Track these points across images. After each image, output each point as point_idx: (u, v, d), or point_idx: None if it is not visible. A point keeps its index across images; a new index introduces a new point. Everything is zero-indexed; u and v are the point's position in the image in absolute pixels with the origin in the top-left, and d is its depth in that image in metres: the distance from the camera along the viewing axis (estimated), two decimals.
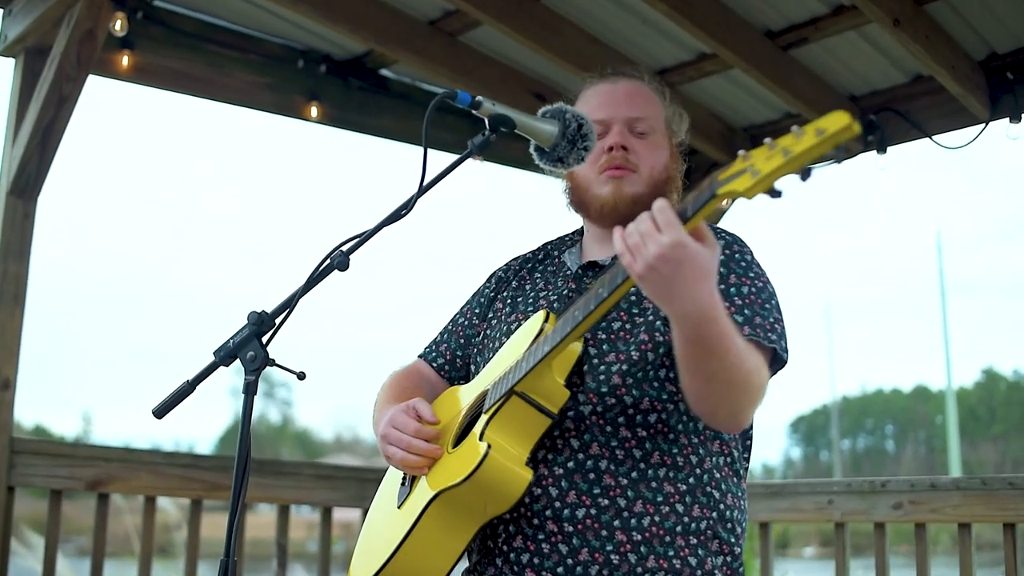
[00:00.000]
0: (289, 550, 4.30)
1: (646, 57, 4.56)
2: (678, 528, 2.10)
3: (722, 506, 2.17)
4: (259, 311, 2.14)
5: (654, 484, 2.12)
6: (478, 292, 2.59)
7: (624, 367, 2.15)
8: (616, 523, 2.08)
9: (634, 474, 2.11)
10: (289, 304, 2.13)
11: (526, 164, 5.35)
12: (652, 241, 1.76)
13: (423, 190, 2.12)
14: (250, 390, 2.09)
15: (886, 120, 4.65)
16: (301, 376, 2.12)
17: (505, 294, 2.48)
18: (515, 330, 2.32)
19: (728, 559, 2.15)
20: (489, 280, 2.59)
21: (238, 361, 2.12)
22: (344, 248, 2.14)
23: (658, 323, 2.18)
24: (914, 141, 4.60)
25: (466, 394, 2.33)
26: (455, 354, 2.54)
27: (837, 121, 1.58)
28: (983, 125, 4.36)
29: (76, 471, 3.92)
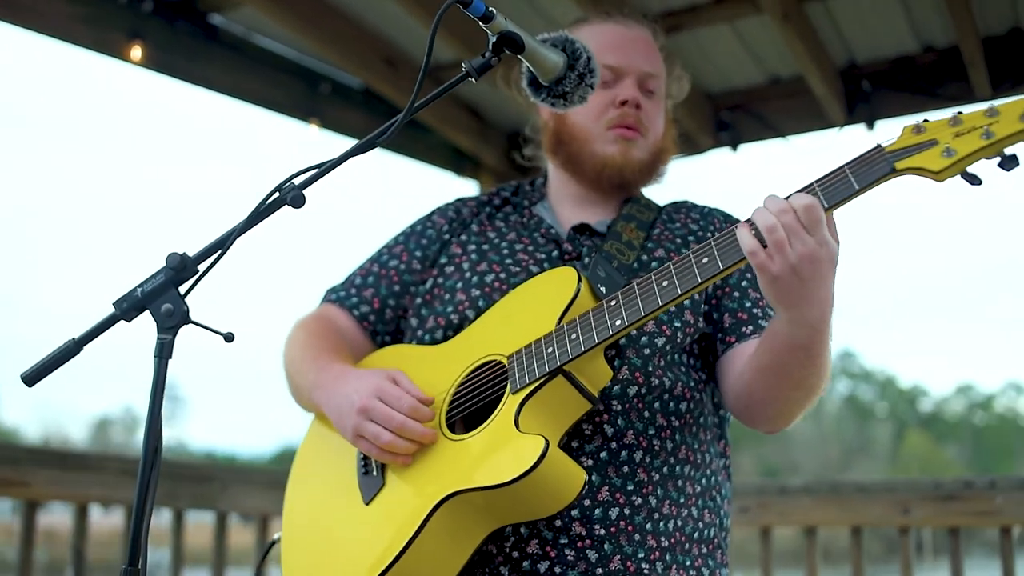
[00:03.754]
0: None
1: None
2: (695, 535, 1.86)
3: (722, 512, 1.96)
4: (180, 253, 1.71)
5: (680, 483, 1.85)
6: (416, 232, 2.18)
7: (667, 344, 1.87)
8: (648, 526, 1.79)
9: (665, 469, 1.84)
10: (221, 245, 1.71)
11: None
12: (799, 240, 1.50)
13: (412, 111, 1.74)
14: (164, 353, 1.66)
15: (738, 119, 4.61)
16: (229, 338, 1.69)
17: (464, 238, 2.11)
18: (490, 282, 1.97)
19: (725, 571, 1.92)
20: (431, 218, 2.19)
21: (147, 315, 1.70)
22: (297, 181, 1.74)
23: (703, 305, 1.93)
24: (767, 140, 4.60)
25: (435, 359, 1.92)
26: (385, 303, 2.12)
27: None
28: (838, 129, 4.39)
29: None
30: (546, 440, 1.59)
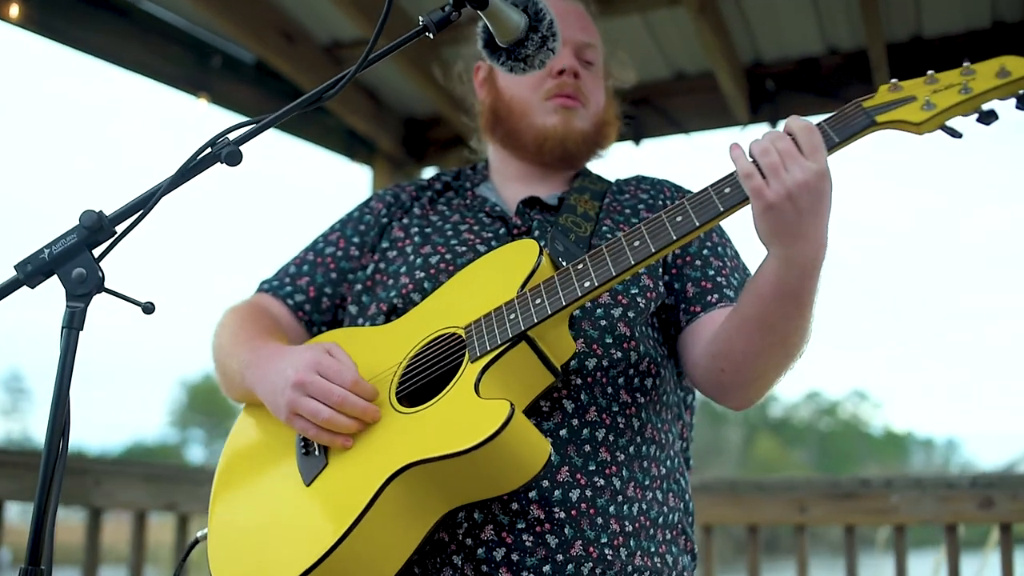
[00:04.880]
0: None
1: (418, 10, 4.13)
2: (660, 519, 1.77)
3: (687, 496, 1.88)
4: (96, 211, 1.53)
5: (645, 463, 1.76)
6: (353, 218, 2.07)
7: (630, 313, 1.77)
8: (611, 509, 1.69)
9: (631, 449, 1.74)
10: (143, 205, 1.53)
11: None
12: (796, 165, 1.44)
13: (364, 64, 1.58)
14: (75, 324, 1.48)
15: (642, 113, 4.56)
16: (148, 309, 1.51)
17: (406, 221, 2.00)
18: (436, 264, 1.86)
19: (689, 558, 1.84)
20: (368, 204, 2.09)
21: (55, 279, 1.51)
22: (232, 136, 1.58)
23: (662, 273, 1.85)
24: (670, 136, 4.57)
25: (384, 337, 1.78)
26: (322, 291, 2.00)
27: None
28: (741, 128, 4.39)
29: None
30: (511, 404, 1.47)
